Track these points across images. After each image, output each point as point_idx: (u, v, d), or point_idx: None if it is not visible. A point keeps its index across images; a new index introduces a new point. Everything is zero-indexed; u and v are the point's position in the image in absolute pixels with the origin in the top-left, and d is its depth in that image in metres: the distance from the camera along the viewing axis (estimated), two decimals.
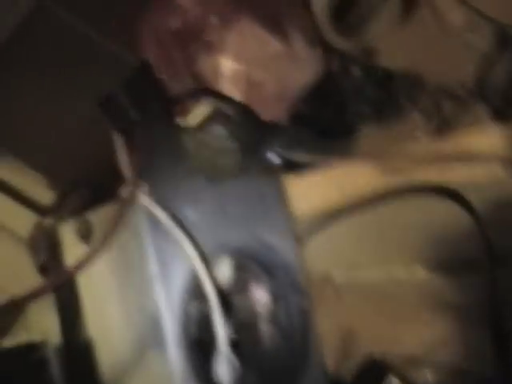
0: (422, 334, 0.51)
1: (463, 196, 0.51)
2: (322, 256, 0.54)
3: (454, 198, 0.50)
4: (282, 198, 0.53)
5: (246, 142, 0.56)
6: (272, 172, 0.55)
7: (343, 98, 0.64)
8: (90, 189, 0.66)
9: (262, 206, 0.53)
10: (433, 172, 0.51)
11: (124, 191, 0.51)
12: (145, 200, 0.51)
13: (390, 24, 0.67)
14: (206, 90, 0.60)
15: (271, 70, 0.68)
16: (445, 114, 0.58)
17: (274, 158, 0.56)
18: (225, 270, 0.52)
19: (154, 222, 0.52)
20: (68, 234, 0.61)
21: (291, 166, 0.57)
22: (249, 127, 0.57)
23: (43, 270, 0.63)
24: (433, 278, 0.51)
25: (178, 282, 0.52)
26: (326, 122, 0.65)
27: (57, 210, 0.66)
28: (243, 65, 0.68)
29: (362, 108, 0.63)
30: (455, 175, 0.50)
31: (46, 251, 0.62)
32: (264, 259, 0.52)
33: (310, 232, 0.53)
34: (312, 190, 0.54)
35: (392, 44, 0.66)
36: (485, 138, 0.50)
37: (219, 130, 0.57)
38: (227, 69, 0.68)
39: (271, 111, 0.67)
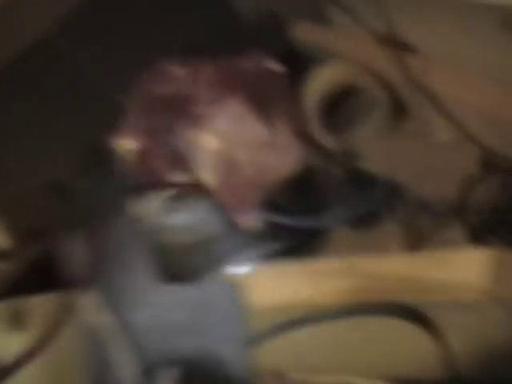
0: None
1: (427, 318, 0.50)
2: (281, 356, 0.53)
3: (417, 320, 0.49)
4: (236, 308, 0.51)
5: (202, 245, 0.54)
6: (227, 279, 0.53)
7: (321, 196, 0.64)
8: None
9: (214, 314, 0.51)
10: (405, 289, 0.50)
11: (70, 285, 0.47)
12: (91, 298, 0.47)
13: (377, 130, 0.68)
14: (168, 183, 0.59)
15: (253, 155, 0.68)
16: (422, 229, 0.58)
17: (235, 255, 0.54)
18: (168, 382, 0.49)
19: (98, 323, 0.48)
20: None
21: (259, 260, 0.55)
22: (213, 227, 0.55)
23: None
24: None
25: None
26: (300, 216, 0.64)
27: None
28: (226, 145, 0.67)
29: (339, 209, 0.62)
30: (428, 295, 0.49)
31: None
32: (212, 371, 0.50)
33: (273, 330, 0.51)
34: (280, 285, 0.53)
35: (377, 150, 0.66)
36: (461, 260, 0.50)
37: (175, 225, 0.55)
38: (209, 146, 0.67)
39: (245, 196, 0.66)
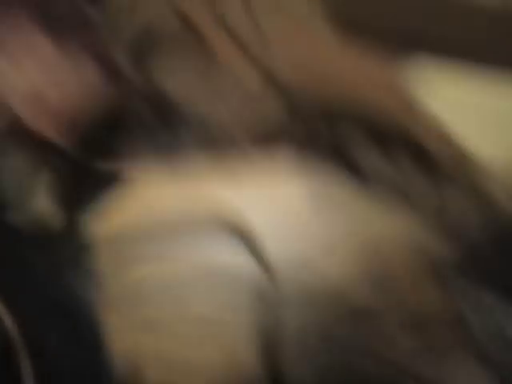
0: None
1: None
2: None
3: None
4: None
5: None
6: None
7: (129, 133, 0.63)
8: None
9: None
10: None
11: None
12: None
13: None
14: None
15: (53, 78, 0.65)
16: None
17: None
18: None
19: None
20: None
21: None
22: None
23: None
24: None
25: None
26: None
27: None
28: (26, 73, 0.64)
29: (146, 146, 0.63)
30: None
31: None
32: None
33: None
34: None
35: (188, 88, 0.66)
36: None
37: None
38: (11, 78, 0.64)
39: (55, 127, 0.64)
